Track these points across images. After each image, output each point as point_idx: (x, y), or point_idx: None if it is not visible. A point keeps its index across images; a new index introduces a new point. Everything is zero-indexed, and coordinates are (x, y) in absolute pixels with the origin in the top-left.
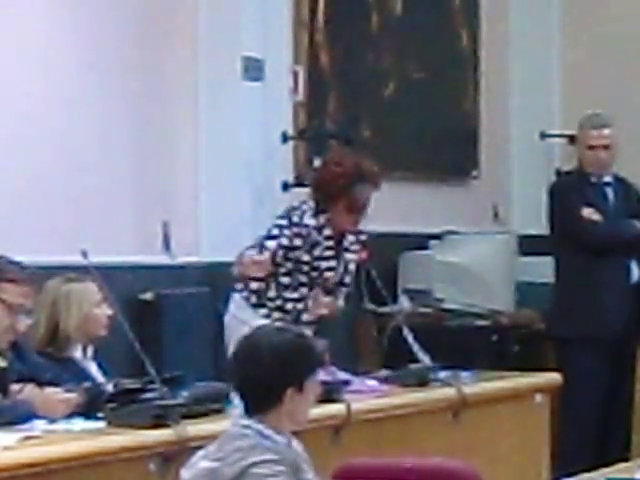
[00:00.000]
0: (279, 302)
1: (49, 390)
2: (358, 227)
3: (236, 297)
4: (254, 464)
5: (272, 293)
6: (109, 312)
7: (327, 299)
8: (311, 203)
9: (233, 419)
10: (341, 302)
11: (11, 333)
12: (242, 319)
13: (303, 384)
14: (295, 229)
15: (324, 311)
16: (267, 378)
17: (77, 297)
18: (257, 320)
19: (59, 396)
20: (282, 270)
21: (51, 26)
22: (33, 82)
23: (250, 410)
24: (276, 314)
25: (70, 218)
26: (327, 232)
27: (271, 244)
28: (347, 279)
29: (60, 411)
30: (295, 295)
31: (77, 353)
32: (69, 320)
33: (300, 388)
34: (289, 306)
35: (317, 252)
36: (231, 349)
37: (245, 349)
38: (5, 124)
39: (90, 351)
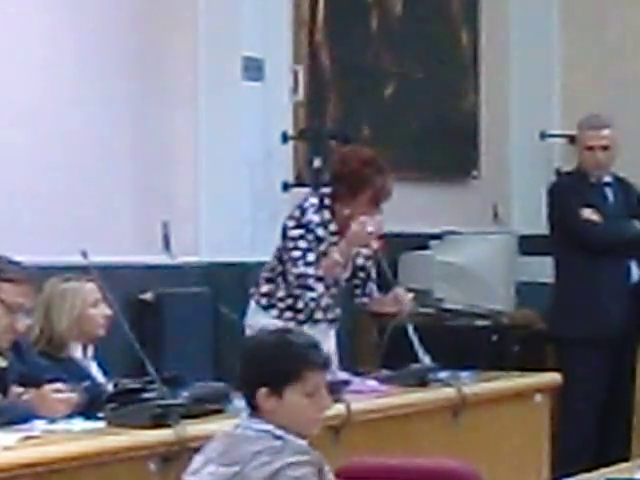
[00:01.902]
0: (290, 301)
1: (49, 390)
2: None
3: (251, 303)
4: (286, 466)
5: (282, 292)
6: (107, 312)
7: (409, 295)
8: (313, 199)
9: (240, 421)
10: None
11: (11, 333)
12: (256, 324)
13: (282, 388)
14: (311, 227)
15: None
16: (242, 376)
17: (71, 297)
18: (269, 323)
19: (59, 396)
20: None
21: (51, 26)
22: (33, 82)
23: (250, 409)
24: (287, 314)
25: (70, 218)
26: (332, 228)
27: (311, 257)
28: (362, 274)
29: (60, 411)
30: None
31: (77, 353)
32: (62, 320)
33: (278, 392)
34: (300, 304)
35: (322, 247)
36: None
37: (241, 348)
38: (5, 124)
39: (90, 351)
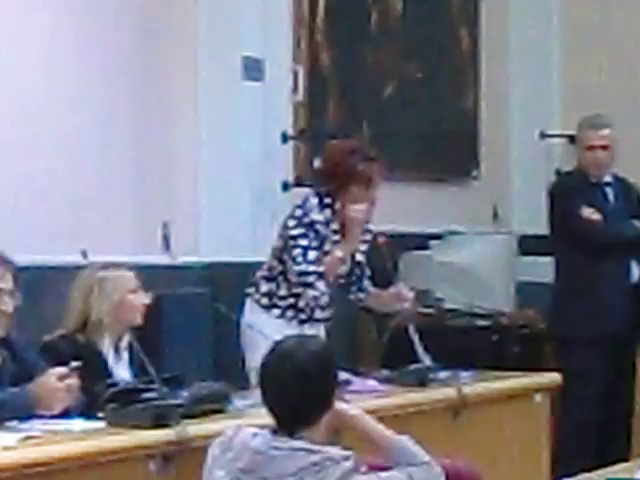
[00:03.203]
0: (292, 300)
1: (53, 376)
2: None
3: (248, 302)
4: (342, 475)
5: (283, 291)
6: (146, 300)
7: (410, 292)
8: (313, 200)
9: (259, 432)
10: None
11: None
12: (256, 323)
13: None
14: (316, 227)
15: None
16: (323, 391)
17: (112, 282)
18: (271, 322)
19: (59, 384)
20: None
21: (51, 26)
22: (33, 82)
23: (289, 426)
24: (290, 313)
25: (70, 218)
26: (334, 226)
27: (312, 255)
28: (357, 271)
29: (62, 400)
30: None
31: (105, 346)
32: (102, 306)
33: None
34: (302, 303)
35: (327, 247)
36: (248, 357)
37: (287, 365)
38: (5, 124)
39: (125, 341)
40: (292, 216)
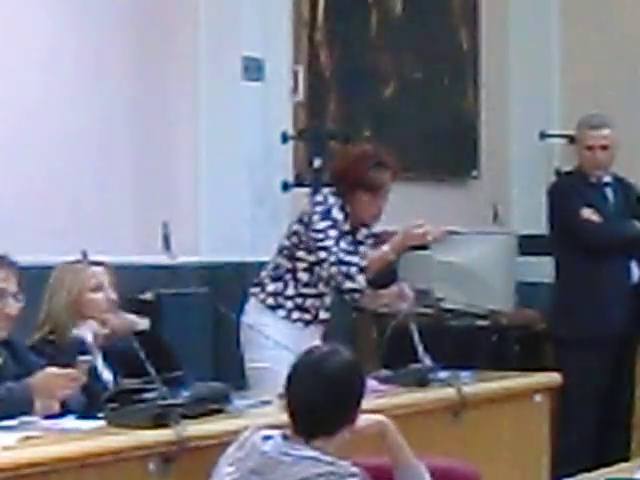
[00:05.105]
0: (299, 300)
1: (46, 371)
2: (380, 216)
3: (252, 301)
4: None
5: (291, 291)
6: (111, 296)
7: (411, 291)
8: (332, 198)
9: (273, 443)
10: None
11: (3, 319)
12: (258, 324)
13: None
14: (338, 223)
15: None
16: (350, 403)
17: (69, 280)
18: (274, 324)
19: (58, 372)
20: (302, 265)
21: (51, 26)
22: (33, 82)
23: (307, 434)
24: (295, 314)
25: (70, 218)
26: (346, 227)
27: (344, 245)
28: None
29: (61, 387)
30: (314, 291)
31: (88, 337)
32: (60, 304)
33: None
34: (308, 303)
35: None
36: (247, 357)
37: (318, 373)
38: (5, 124)
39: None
40: (314, 212)
